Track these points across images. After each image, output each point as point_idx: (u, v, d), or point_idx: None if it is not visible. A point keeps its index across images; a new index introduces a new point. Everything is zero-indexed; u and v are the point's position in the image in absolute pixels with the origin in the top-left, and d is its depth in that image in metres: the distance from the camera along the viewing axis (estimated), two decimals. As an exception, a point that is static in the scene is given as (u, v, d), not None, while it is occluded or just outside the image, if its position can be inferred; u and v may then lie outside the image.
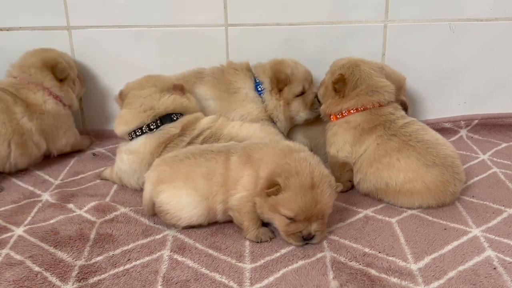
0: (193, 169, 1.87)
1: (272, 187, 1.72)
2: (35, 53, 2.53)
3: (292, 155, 1.80)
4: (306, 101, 2.44)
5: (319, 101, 2.38)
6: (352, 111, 2.15)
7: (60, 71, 2.49)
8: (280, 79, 2.39)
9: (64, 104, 2.54)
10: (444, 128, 2.81)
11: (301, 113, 2.46)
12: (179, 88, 2.25)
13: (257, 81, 2.46)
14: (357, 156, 2.11)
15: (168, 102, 2.18)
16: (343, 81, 2.15)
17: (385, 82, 2.20)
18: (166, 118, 2.17)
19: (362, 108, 2.14)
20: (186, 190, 1.86)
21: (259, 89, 2.45)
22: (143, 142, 2.14)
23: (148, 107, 2.16)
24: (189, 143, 2.13)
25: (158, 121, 2.15)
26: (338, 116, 2.19)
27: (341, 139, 2.15)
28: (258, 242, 1.84)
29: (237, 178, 1.84)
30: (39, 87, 2.45)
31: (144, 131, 2.15)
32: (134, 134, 2.16)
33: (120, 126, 2.21)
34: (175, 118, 2.17)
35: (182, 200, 1.86)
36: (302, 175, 1.73)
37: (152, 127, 2.14)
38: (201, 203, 1.85)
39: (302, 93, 2.45)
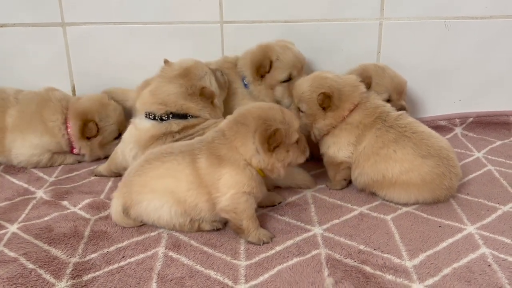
0: (146, 174, 1.84)
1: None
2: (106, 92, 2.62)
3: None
4: (291, 89, 2.36)
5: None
6: (347, 112, 2.14)
7: (89, 129, 2.43)
8: (261, 66, 2.38)
9: (73, 147, 2.50)
10: (439, 126, 2.81)
11: (285, 100, 2.42)
12: (207, 96, 2.20)
13: (243, 75, 2.47)
14: (357, 153, 2.10)
15: (182, 107, 2.17)
16: (328, 97, 2.10)
17: (351, 77, 2.21)
18: (179, 114, 2.17)
19: (354, 106, 2.13)
20: (146, 199, 1.84)
21: (245, 82, 2.44)
22: (148, 127, 2.17)
23: (163, 102, 2.17)
24: (177, 140, 2.13)
25: (171, 115, 2.16)
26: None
27: (344, 140, 2.12)
28: (260, 244, 1.81)
29: (214, 181, 1.79)
30: (65, 120, 2.46)
31: (156, 118, 2.17)
32: (148, 114, 2.18)
33: (139, 104, 2.24)
34: (189, 118, 2.18)
35: (148, 210, 1.84)
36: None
37: (164, 118, 2.16)
38: (166, 200, 1.82)
39: (290, 79, 2.40)
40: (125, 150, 2.22)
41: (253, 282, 1.61)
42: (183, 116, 2.17)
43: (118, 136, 2.47)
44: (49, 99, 2.48)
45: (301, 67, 2.44)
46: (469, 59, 2.76)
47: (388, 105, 2.19)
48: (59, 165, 2.52)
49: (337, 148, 2.14)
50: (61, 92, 2.57)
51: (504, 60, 2.77)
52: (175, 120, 2.16)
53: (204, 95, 2.19)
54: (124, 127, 2.45)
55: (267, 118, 1.79)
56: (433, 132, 2.10)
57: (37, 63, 2.74)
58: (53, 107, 2.46)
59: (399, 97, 2.44)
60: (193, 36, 2.70)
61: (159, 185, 1.82)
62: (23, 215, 1.99)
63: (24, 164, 2.46)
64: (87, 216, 1.98)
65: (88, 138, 2.45)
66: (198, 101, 2.20)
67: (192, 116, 2.18)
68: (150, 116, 2.17)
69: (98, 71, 2.75)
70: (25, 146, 2.42)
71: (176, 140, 2.12)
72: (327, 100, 2.10)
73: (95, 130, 2.43)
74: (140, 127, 2.19)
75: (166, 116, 2.16)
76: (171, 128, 2.15)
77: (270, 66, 2.40)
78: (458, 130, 2.82)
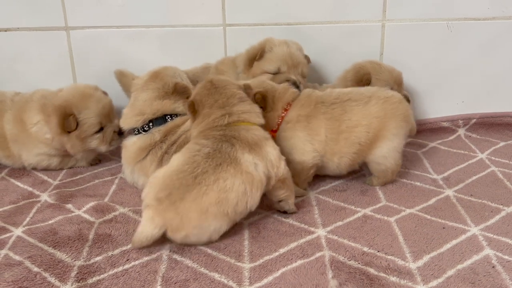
0: (200, 201, 1.73)
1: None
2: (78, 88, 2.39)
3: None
4: (275, 81, 2.33)
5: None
6: (281, 111, 2.16)
7: (68, 124, 2.26)
8: (254, 55, 2.39)
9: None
10: (442, 127, 2.82)
11: None
12: (180, 90, 2.22)
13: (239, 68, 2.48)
14: (324, 144, 2.12)
15: (157, 107, 2.18)
16: (263, 97, 2.12)
17: (284, 84, 2.26)
18: (158, 120, 2.19)
19: (287, 105, 2.16)
20: (205, 224, 1.75)
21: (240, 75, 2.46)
22: (134, 141, 2.20)
23: (140, 112, 2.19)
24: (166, 152, 2.14)
25: (151, 124, 2.18)
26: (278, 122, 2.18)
27: (298, 141, 2.12)
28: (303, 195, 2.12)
29: (266, 167, 1.85)
30: (45, 117, 2.32)
31: (140, 131, 2.19)
32: (133, 131, 2.22)
33: (122, 123, 2.26)
34: (168, 120, 2.19)
35: (205, 233, 1.78)
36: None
37: (146, 128, 2.18)
38: (224, 220, 1.78)
39: (277, 73, 2.38)
40: (125, 172, 2.26)
41: (257, 285, 1.61)
42: (162, 119, 2.19)
43: (100, 130, 2.34)
44: (30, 100, 2.38)
45: (293, 65, 2.39)
46: (472, 60, 2.76)
47: (314, 89, 2.28)
48: (71, 167, 2.50)
49: (300, 152, 2.12)
50: (46, 90, 2.44)
51: (507, 61, 2.77)
52: (156, 128, 2.17)
53: (178, 90, 2.21)
54: (109, 121, 2.37)
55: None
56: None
57: (41, 67, 2.75)
58: (33, 108, 2.35)
59: (400, 88, 2.47)
60: (196, 39, 2.71)
61: (217, 210, 1.74)
62: (28, 219, 2.00)
63: (34, 166, 2.45)
64: (92, 219, 1.98)
65: (69, 133, 2.29)
66: (172, 97, 2.21)
67: (170, 117, 2.19)
68: (135, 132, 2.20)
69: (102, 74, 2.75)
70: (31, 155, 2.41)
71: (166, 152, 2.14)
72: (263, 100, 2.12)
73: (74, 124, 2.26)
74: (127, 144, 2.22)
75: (147, 126, 2.18)
76: (154, 138, 2.16)
77: (261, 55, 2.39)
78: (461, 132, 2.82)
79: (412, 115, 2.23)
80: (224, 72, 2.52)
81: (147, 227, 1.72)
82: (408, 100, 2.45)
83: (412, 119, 2.25)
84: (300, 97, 2.18)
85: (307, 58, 2.50)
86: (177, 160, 1.84)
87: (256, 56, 2.39)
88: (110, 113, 2.38)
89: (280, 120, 2.15)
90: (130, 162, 2.21)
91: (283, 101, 2.16)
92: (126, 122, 2.23)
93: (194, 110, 1.98)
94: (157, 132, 2.17)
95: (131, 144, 2.20)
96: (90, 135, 2.33)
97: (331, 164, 2.17)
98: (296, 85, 2.34)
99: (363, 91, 2.19)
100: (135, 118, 2.20)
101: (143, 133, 2.18)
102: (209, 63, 2.63)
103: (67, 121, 2.26)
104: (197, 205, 1.72)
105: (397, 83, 2.46)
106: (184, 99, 2.21)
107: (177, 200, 1.72)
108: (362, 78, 2.44)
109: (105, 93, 2.43)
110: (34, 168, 2.47)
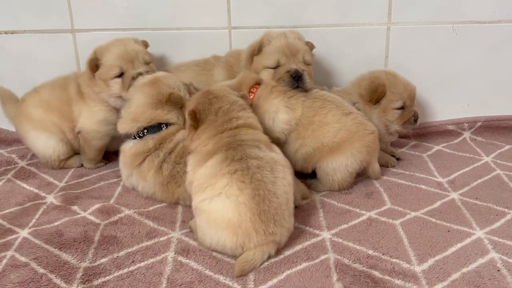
0: (287, 209, 1.79)
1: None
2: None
3: None
4: (276, 75, 2.32)
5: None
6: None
7: (93, 66, 2.39)
8: (251, 50, 2.41)
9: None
10: (448, 130, 2.81)
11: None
12: (174, 100, 2.20)
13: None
14: (295, 122, 2.23)
15: (151, 116, 2.19)
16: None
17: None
18: (153, 128, 2.19)
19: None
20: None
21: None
22: (130, 146, 2.22)
23: (133, 118, 2.20)
24: (164, 160, 2.14)
25: (145, 130, 2.19)
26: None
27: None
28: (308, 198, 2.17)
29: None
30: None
31: (136, 137, 2.20)
32: (130, 136, 2.23)
33: (119, 127, 2.27)
34: (163, 128, 2.20)
35: None
36: None
37: (140, 135, 2.20)
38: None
39: (277, 66, 2.34)
40: (122, 175, 2.29)
41: (262, 287, 1.62)
42: (157, 128, 2.19)
43: (121, 75, 2.36)
44: None
45: (291, 54, 2.33)
46: (477, 63, 2.75)
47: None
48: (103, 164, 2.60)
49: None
50: None
51: (512, 64, 2.77)
52: (150, 135, 2.18)
53: (172, 100, 2.20)
54: (132, 67, 2.36)
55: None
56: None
57: (48, 69, 2.75)
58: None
59: (412, 103, 2.43)
60: (202, 41, 2.71)
61: (291, 207, 1.82)
62: (34, 220, 2.01)
63: (88, 134, 2.50)
64: (97, 221, 1.99)
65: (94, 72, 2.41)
66: (165, 107, 2.20)
67: (165, 125, 2.20)
68: (132, 136, 2.22)
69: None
70: (89, 122, 2.48)
71: (164, 160, 2.14)
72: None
73: (97, 66, 2.39)
74: (124, 149, 2.24)
75: (141, 133, 2.19)
76: (147, 145, 2.17)
77: (260, 50, 2.38)
78: (466, 135, 2.82)
79: (376, 153, 2.27)
80: (232, 64, 2.55)
81: (258, 258, 1.72)
82: (415, 119, 2.42)
83: (375, 159, 2.28)
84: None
85: (309, 44, 2.44)
86: (241, 192, 1.73)
87: (254, 51, 2.39)
88: (134, 60, 2.39)
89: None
90: (127, 167, 2.24)
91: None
92: (122, 126, 2.24)
93: (196, 118, 1.95)
94: (150, 140, 2.17)
95: (127, 150, 2.23)
96: (110, 78, 2.38)
97: (291, 147, 2.25)
98: (298, 73, 2.27)
99: (348, 105, 2.30)
100: (130, 123, 2.21)
101: (138, 139, 2.20)
102: (219, 54, 2.64)
103: (94, 64, 2.38)
104: (289, 213, 1.80)
105: (410, 98, 2.41)
106: (178, 110, 2.22)
107: (282, 221, 1.76)
108: (376, 89, 2.38)
109: (145, 44, 2.51)
110: (86, 140, 2.50)
